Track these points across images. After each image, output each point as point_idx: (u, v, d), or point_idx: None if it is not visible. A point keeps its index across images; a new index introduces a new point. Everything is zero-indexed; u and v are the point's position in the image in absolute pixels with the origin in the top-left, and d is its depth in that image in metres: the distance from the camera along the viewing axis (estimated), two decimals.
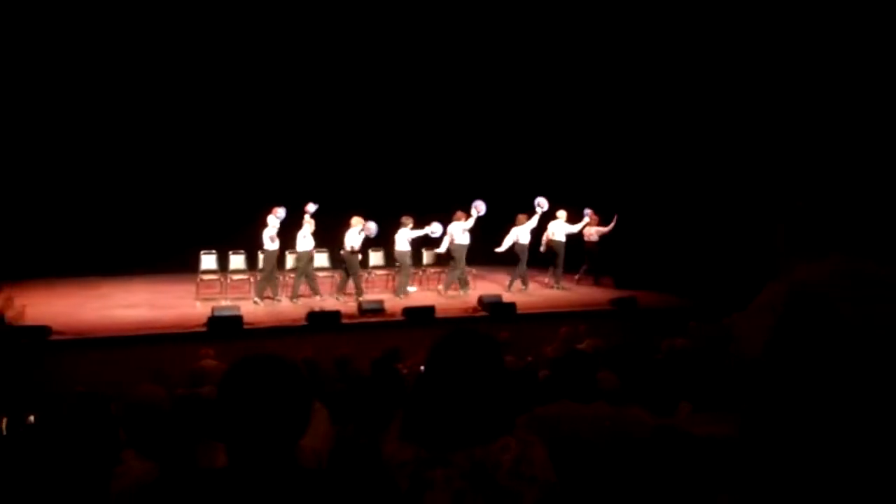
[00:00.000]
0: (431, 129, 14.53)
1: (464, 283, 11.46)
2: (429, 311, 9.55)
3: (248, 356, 1.54)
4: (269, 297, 10.57)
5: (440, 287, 11.61)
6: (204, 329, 8.51)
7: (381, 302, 9.98)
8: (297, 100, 13.79)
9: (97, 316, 9.20)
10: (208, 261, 10.82)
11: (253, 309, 9.71)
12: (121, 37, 12.19)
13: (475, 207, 11.20)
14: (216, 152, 13.35)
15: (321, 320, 9.02)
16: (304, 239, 10.54)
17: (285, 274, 11.02)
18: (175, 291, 10.99)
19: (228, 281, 10.71)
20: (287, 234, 10.62)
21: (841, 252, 0.67)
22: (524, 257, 11.69)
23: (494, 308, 10.01)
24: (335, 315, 9.18)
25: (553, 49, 13.09)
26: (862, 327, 0.62)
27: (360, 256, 10.85)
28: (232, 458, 1.47)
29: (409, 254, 11.18)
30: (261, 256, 10.52)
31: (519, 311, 10.03)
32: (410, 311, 9.50)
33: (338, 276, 11.22)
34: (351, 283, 10.93)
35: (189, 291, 10.62)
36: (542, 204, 11.62)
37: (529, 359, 7.59)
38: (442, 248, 11.49)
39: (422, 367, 1.81)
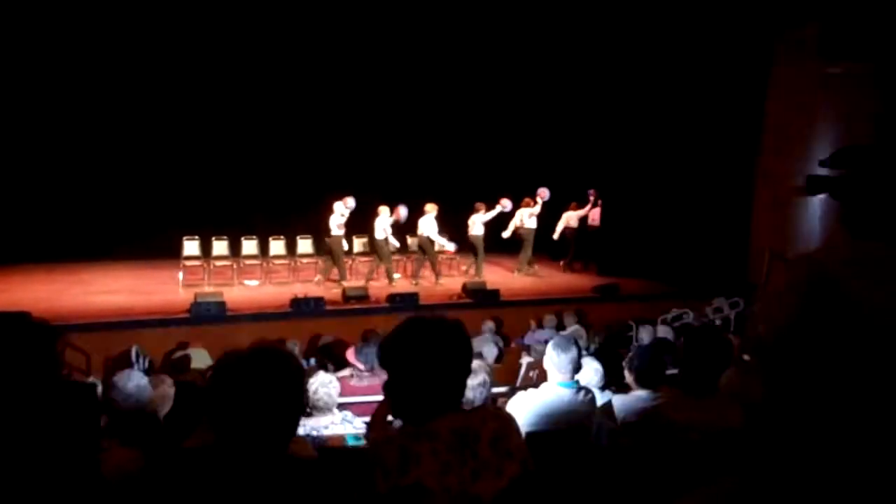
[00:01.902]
0: (420, 119, 14.48)
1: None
2: (413, 297, 9.57)
3: (243, 349, 1.55)
4: (333, 280, 10.77)
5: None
6: (187, 315, 8.47)
7: (365, 288, 9.99)
8: (287, 85, 13.65)
9: (78, 302, 9.11)
10: (191, 247, 10.74)
11: (236, 295, 9.67)
12: (101, 16, 11.98)
13: (501, 203, 11.52)
14: (202, 135, 13.21)
15: (305, 306, 9.00)
16: (339, 228, 10.66)
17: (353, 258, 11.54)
18: (158, 277, 10.91)
19: (212, 267, 10.65)
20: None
21: (846, 233, 0.68)
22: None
23: (478, 294, 10.05)
24: (319, 301, 9.16)
25: (533, 36, 13.07)
26: (877, 311, 0.63)
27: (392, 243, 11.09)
28: (222, 448, 1.47)
29: (481, 238, 11.56)
30: (328, 241, 10.80)
31: (503, 298, 10.07)
32: (395, 298, 9.51)
33: (321, 262, 11.20)
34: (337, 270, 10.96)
35: (172, 277, 10.55)
36: (540, 199, 11.76)
37: (513, 345, 7.65)
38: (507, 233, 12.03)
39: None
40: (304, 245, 11.47)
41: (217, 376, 1.53)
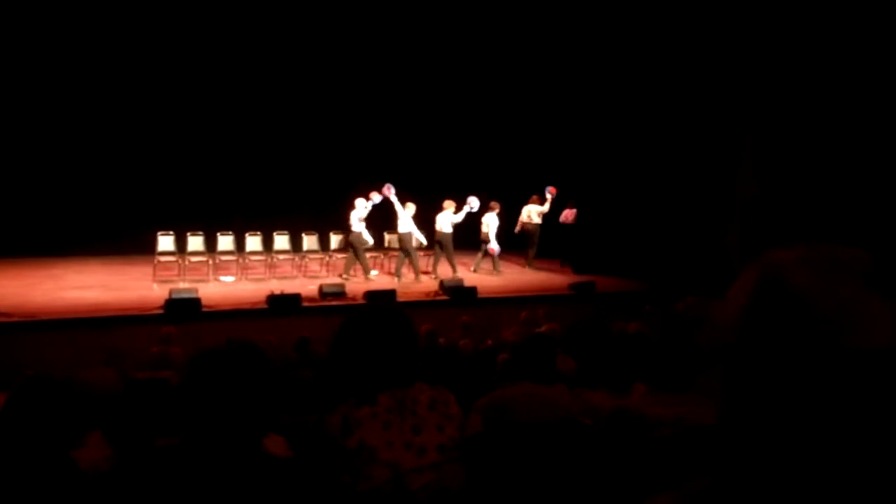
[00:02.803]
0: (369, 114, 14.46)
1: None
2: (390, 294, 9.56)
3: (216, 345, 1.54)
4: (353, 276, 10.97)
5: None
6: (161, 311, 8.38)
7: (342, 285, 9.95)
8: (263, 80, 13.54)
9: (49, 297, 8.97)
10: (165, 242, 10.61)
11: (212, 292, 9.58)
12: (76, 9, 11.78)
13: (468, 203, 11.48)
14: (178, 130, 13.07)
15: (282, 303, 8.95)
16: (360, 222, 10.84)
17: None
18: (131, 273, 10.78)
19: (186, 263, 10.54)
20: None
21: (806, 242, 0.70)
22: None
23: (455, 292, 10.07)
24: (296, 298, 9.12)
25: (506, 33, 13.13)
26: (828, 310, 0.64)
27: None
28: (195, 445, 1.46)
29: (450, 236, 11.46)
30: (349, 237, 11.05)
31: (480, 296, 10.10)
32: (372, 295, 9.49)
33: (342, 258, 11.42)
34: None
35: (146, 273, 10.42)
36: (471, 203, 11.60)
37: (489, 342, 7.68)
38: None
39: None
40: (281, 241, 11.39)
41: (190, 372, 1.52)
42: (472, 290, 10.16)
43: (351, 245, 11.11)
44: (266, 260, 11.16)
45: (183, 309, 8.40)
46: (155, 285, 9.90)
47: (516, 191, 12.87)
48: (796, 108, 9.94)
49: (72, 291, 9.41)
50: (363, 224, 10.87)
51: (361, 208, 10.81)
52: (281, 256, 11.26)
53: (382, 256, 12.12)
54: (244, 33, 12.88)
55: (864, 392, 0.61)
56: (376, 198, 10.86)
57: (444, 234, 11.45)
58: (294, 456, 1.99)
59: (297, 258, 11.34)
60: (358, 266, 11.11)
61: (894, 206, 8.69)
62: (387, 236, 12.14)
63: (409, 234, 11.05)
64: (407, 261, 11.27)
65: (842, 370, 0.61)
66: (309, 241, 11.55)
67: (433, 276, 11.41)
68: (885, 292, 0.64)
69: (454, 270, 11.48)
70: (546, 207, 12.41)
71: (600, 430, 2.68)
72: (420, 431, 1.88)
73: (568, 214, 13.32)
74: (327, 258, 11.56)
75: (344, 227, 11.40)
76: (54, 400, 2.12)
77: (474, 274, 12.07)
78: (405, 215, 11.05)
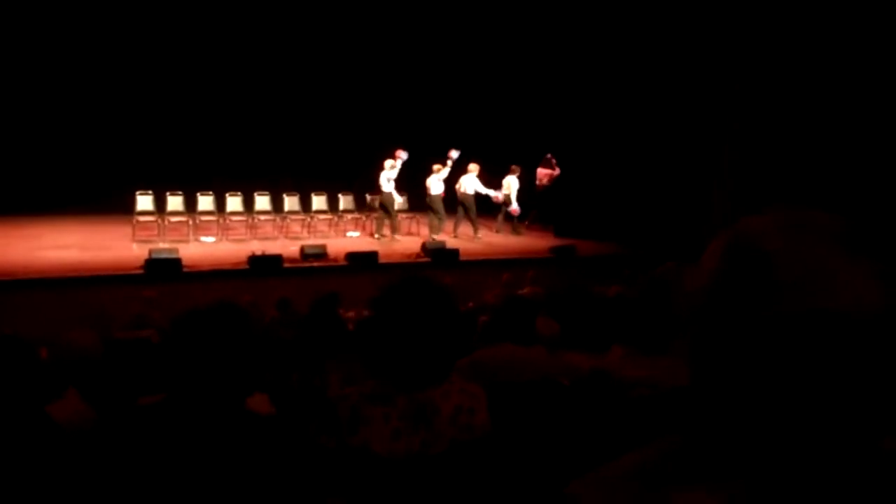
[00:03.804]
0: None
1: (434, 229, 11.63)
2: (372, 256, 9.56)
3: (198, 305, 1.54)
4: (385, 236, 11.23)
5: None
6: (141, 272, 8.32)
7: (323, 246, 9.92)
8: (244, 38, 13.27)
9: (26, 257, 8.86)
10: (144, 202, 10.48)
11: (192, 252, 9.51)
12: None
13: (450, 156, 11.37)
14: (158, 88, 12.82)
15: (263, 264, 8.92)
16: (389, 182, 10.98)
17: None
18: (110, 233, 10.65)
19: (166, 223, 10.43)
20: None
21: (785, 203, 0.71)
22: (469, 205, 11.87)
23: (437, 254, 10.09)
24: (277, 259, 9.09)
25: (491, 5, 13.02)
26: (797, 271, 0.65)
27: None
28: (177, 404, 1.47)
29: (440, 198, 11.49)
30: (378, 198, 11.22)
31: (461, 258, 10.14)
32: (353, 256, 9.48)
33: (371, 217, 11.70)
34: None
35: (125, 234, 10.31)
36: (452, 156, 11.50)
37: (471, 304, 7.73)
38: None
39: (366, 312, 1.89)
40: (262, 202, 11.29)
41: (173, 332, 1.53)
42: (455, 252, 10.19)
43: (382, 205, 11.26)
44: (247, 220, 11.08)
45: (163, 269, 8.35)
46: (134, 245, 9.81)
47: (500, 155, 12.79)
48: (783, 82, 9.95)
49: (49, 251, 9.29)
50: (392, 184, 11.02)
51: (389, 168, 10.93)
52: (262, 217, 11.18)
53: (364, 218, 12.07)
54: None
55: (831, 354, 0.63)
56: (403, 155, 11.02)
57: (468, 196, 11.73)
58: (277, 413, 2.00)
59: (278, 219, 11.27)
60: (387, 225, 11.42)
61: (873, 172, 8.80)
62: (368, 197, 12.10)
63: (390, 195, 11.09)
64: (387, 221, 11.29)
65: (809, 332, 0.63)
66: (290, 202, 11.48)
67: (454, 236, 11.72)
68: (858, 254, 0.65)
69: (475, 231, 11.84)
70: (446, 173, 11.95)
71: (578, 390, 2.73)
72: (430, 447, 1.70)
73: (542, 175, 13.21)
74: (308, 219, 11.51)
75: (324, 188, 11.37)
76: (23, 359, 2.12)
77: (498, 235, 12.32)
78: (389, 175, 11.03)
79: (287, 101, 13.79)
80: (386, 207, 11.23)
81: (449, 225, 11.94)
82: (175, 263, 8.50)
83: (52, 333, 3.78)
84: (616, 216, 11.91)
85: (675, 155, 11.46)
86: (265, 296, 7.03)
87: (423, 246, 10.43)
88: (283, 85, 13.76)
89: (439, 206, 11.47)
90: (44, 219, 11.23)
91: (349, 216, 11.93)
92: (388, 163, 10.99)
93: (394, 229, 11.43)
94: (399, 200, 11.37)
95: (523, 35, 13.14)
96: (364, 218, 12.07)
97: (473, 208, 11.85)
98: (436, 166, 11.42)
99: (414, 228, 12.14)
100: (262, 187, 11.38)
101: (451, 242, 10.90)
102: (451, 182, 11.69)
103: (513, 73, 13.79)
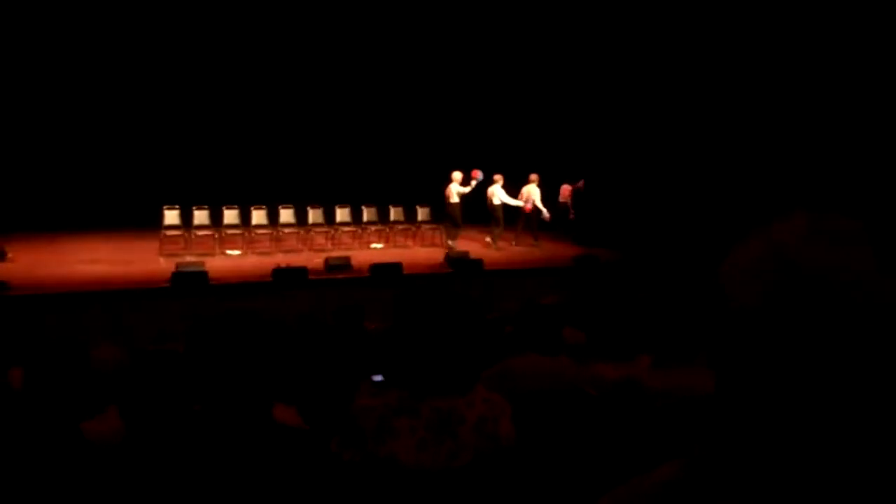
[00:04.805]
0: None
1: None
2: (396, 267, 9.57)
3: (218, 314, 1.54)
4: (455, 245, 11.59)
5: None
6: (168, 285, 8.42)
7: (347, 258, 9.97)
8: (264, 54, 13.44)
9: (55, 272, 9.01)
10: (171, 216, 10.64)
11: (218, 265, 9.61)
12: None
13: (474, 176, 11.65)
14: (184, 106, 13.03)
15: (287, 277, 8.98)
16: (458, 196, 11.51)
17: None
18: (137, 248, 10.80)
19: (192, 237, 10.56)
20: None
21: (805, 209, 0.69)
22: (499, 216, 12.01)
23: (461, 264, 10.08)
24: (302, 271, 9.14)
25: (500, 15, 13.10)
26: (828, 277, 0.64)
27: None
28: (205, 415, 1.48)
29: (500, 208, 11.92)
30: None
31: (485, 268, 10.12)
32: (377, 268, 9.51)
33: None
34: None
35: (152, 248, 10.46)
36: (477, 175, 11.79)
37: (495, 314, 7.69)
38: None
39: (391, 323, 1.87)
40: (286, 215, 11.40)
41: (192, 342, 1.52)
42: (478, 262, 10.17)
43: (449, 216, 11.60)
44: (271, 233, 11.18)
45: (189, 282, 8.44)
46: (161, 259, 9.94)
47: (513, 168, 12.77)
48: (786, 87, 9.90)
49: (79, 265, 9.45)
50: (459, 198, 11.47)
51: (459, 183, 11.45)
52: (286, 230, 11.28)
53: (388, 230, 12.11)
54: (246, 12, 12.77)
55: (873, 368, 0.61)
56: (480, 176, 11.53)
57: (497, 207, 11.94)
58: (305, 426, 1.99)
59: (302, 231, 11.36)
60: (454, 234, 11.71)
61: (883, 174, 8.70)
62: (392, 210, 12.18)
63: (458, 206, 11.54)
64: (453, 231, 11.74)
65: (861, 346, 0.61)
66: (314, 215, 11.57)
67: (496, 247, 11.97)
68: (888, 259, 0.64)
69: (494, 242, 12.07)
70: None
71: (605, 401, 2.70)
72: (456, 458, 1.70)
73: (565, 191, 13.22)
74: (332, 231, 11.58)
75: (349, 200, 11.45)
76: (69, 371, 2.14)
77: (518, 246, 12.36)
78: (459, 189, 11.51)
79: (309, 115, 13.91)
80: (453, 219, 11.53)
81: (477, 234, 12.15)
82: (201, 276, 8.59)
83: (83, 347, 3.83)
84: (632, 226, 11.92)
85: (681, 164, 11.46)
86: (289, 308, 7.07)
87: (447, 256, 10.43)
88: (305, 99, 13.90)
89: (458, 216, 11.64)
90: (73, 235, 11.44)
91: (373, 228, 11.98)
92: (456, 175, 11.43)
93: (453, 237, 11.71)
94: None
95: (534, 48, 13.24)
96: (387, 230, 12.12)
97: (501, 219, 11.97)
98: (455, 174, 11.53)
99: (438, 239, 12.16)
100: (287, 200, 11.49)
101: (475, 252, 10.88)
102: (478, 194, 11.85)
103: (523, 86, 13.86)
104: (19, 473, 1.74)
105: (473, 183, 11.61)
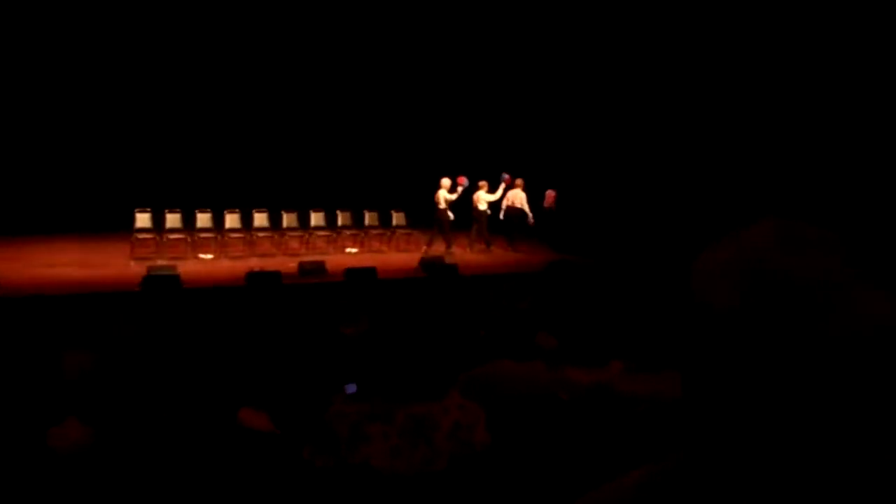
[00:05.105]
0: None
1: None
2: (370, 272, 9.54)
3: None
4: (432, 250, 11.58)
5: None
6: (138, 289, 8.29)
7: (321, 262, 9.91)
8: (241, 54, 13.34)
9: (23, 275, 8.83)
10: (143, 219, 10.48)
11: (190, 269, 9.49)
12: None
13: (460, 183, 11.83)
14: (156, 107, 12.86)
15: (261, 281, 8.90)
16: (446, 202, 11.62)
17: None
18: (107, 251, 10.63)
19: (164, 240, 10.41)
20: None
21: (773, 215, 0.71)
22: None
23: (436, 269, 10.07)
24: (275, 275, 9.07)
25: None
26: (808, 294, 0.65)
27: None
28: (173, 421, 1.46)
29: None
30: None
31: (460, 273, 10.12)
32: (352, 272, 9.46)
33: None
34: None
35: (123, 251, 10.29)
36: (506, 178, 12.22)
37: (470, 319, 7.70)
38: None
39: (365, 328, 1.87)
40: (260, 219, 11.31)
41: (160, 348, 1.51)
42: (453, 267, 10.18)
43: (438, 221, 11.70)
44: (245, 237, 11.07)
45: (161, 286, 8.32)
46: (132, 262, 9.79)
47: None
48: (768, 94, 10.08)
49: (47, 269, 9.27)
50: (447, 204, 11.63)
51: (447, 190, 11.52)
52: (260, 234, 11.18)
53: (363, 235, 12.08)
54: (219, 12, 12.66)
55: (844, 371, 0.62)
56: (466, 182, 11.70)
57: (481, 212, 12.12)
58: (276, 431, 1.98)
59: (276, 235, 11.27)
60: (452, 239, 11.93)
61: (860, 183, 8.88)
62: (366, 214, 12.15)
63: (445, 212, 11.66)
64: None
65: (830, 357, 0.62)
66: (288, 219, 11.48)
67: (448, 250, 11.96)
68: (857, 265, 0.65)
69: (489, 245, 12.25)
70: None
71: (577, 405, 2.72)
72: (431, 464, 1.69)
73: (549, 197, 13.27)
74: (306, 235, 11.51)
75: (323, 204, 11.36)
76: (37, 377, 2.10)
77: (485, 250, 12.35)
78: (447, 196, 11.62)
79: (285, 120, 13.83)
80: (442, 223, 11.66)
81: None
82: (174, 280, 8.48)
83: (50, 352, 3.76)
84: (609, 233, 12.09)
85: (654, 171, 11.65)
86: (263, 312, 7.00)
87: (421, 261, 10.42)
88: (281, 104, 13.82)
89: (446, 222, 11.79)
90: (42, 238, 11.22)
91: (347, 232, 11.93)
92: (445, 181, 11.56)
93: (449, 243, 11.85)
94: (451, 218, 11.76)
95: (510, 60, 13.36)
96: (362, 234, 12.07)
97: (485, 224, 12.16)
98: (444, 181, 11.69)
99: (412, 244, 12.15)
100: (261, 204, 11.40)
101: (448, 258, 10.89)
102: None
103: (502, 93, 13.97)
104: None
105: (460, 189, 11.72)
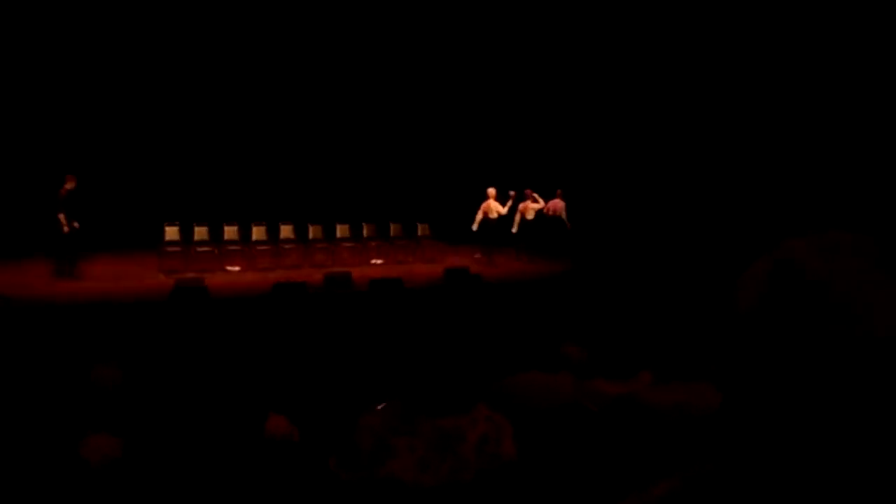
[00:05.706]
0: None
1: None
2: (396, 282, 9.55)
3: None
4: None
5: None
6: (167, 301, 8.39)
7: (347, 274, 9.95)
8: (263, 71, 13.52)
9: (55, 288, 8.98)
10: (171, 232, 10.65)
11: (218, 281, 9.58)
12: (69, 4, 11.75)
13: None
14: (184, 123, 13.08)
15: (287, 292, 8.95)
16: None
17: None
18: (137, 264, 10.79)
19: (192, 253, 10.55)
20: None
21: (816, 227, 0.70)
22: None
23: (460, 279, 10.06)
24: (301, 286, 9.12)
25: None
26: (840, 294, 0.64)
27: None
28: (201, 432, 1.47)
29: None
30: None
31: (484, 282, 10.10)
32: (377, 284, 9.48)
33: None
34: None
35: (152, 264, 10.44)
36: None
37: (497, 330, 7.67)
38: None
39: (391, 339, 1.87)
40: (287, 231, 11.42)
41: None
42: (477, 277, 10.16)
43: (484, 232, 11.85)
44: (271, 249, 11.18)
45: (189, 297, 8.41)
46: (161, 275, 9.92)
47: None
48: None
49: (78, 281, 9.42)
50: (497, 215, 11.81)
51: (494, 201, 11.63)
52: (286, 246, 11.29)
53: (389, 246, 12.12)
54: (244, 28, 12.87)
55: (872, 380, 0.61)
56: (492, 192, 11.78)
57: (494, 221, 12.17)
58: (301, 441, 1.98)
59: (302, 248, 11.36)
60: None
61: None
62: (391, 226, 12.20)
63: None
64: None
65: (854, 357, 0.61)
66: (314, 231, 11.58)
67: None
68: (892, 274, 0.64)
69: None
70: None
71: (606, 417, 2.69)
72: (458, 476, 1.66)
73: (557, 206, 13.11)
74: (332, 247, 11.58)
75: (349, 216, 11.43)
76: (66, 391, 2.13)
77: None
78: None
79: (309, 133, 13.98)
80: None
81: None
82: (202, 291, 8.57)
83: (82, 363, 3.82)
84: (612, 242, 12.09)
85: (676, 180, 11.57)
86: (289, 323, 7.05)
87: (446, 271, 10.42)
88: (305, 117, 13.96)
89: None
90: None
91: (372, 244, 11.99)
92: (491, 191, 11.70)
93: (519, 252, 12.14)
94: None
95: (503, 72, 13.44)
96: (388, 246, 12.12)
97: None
98: (490, 190, 11.80)
99: (437, 255, 12.16)
100: (287, 217, 11.51)
101: (473, 268, 10.87)
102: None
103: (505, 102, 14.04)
104: (17, 490, 1.73)
105: (509, 203, 11.84)
